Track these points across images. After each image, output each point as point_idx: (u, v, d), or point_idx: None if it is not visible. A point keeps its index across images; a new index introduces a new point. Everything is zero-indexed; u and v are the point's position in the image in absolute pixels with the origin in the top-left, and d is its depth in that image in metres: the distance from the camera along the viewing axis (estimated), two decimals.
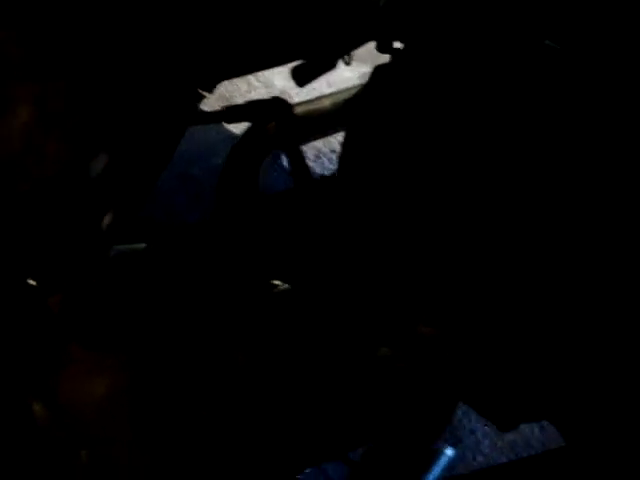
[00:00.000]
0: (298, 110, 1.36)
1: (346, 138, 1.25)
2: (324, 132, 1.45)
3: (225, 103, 1.39)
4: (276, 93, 2.36)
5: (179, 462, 0.89)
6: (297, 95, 1.72)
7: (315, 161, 2.08)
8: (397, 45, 1.26)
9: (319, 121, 1.40)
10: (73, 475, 0.86)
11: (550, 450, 1.27)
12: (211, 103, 1.41)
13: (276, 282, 1.00)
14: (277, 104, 1.23)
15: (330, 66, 1.32)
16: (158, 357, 0.94)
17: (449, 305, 1.00)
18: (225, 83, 1.37)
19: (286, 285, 1.00)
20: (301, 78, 1.30)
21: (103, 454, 0.87)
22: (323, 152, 2.08)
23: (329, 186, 1.19)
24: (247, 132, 1.22)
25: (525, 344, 1.03)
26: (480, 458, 1.93)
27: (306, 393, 0.97)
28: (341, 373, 0.97)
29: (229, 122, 1.22)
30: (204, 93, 1.30)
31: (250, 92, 2.33)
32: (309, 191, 1.13)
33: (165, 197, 1.88)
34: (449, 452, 1.86)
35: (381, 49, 1.26)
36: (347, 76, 2.10)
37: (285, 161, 1.80)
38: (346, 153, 1.19)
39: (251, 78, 2.32)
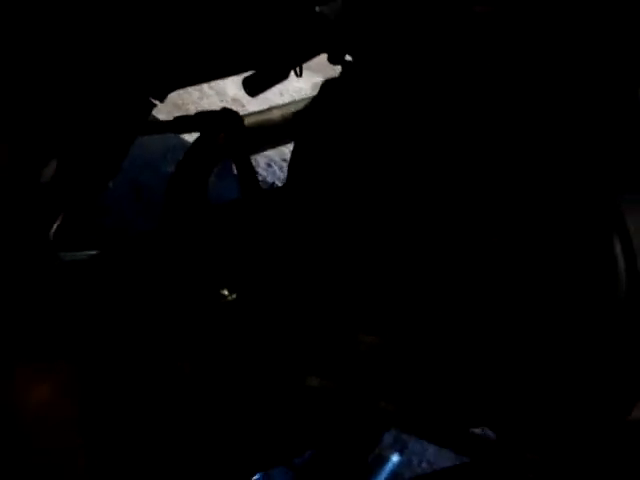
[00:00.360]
0: (248, 121, 1.38)
1: (295, 149, 1.27)
2: (275, 143, 1.47)
3: (177, 110, 1.40)
4: (228, 101, 2.37)
5: (129, 466, 0.90)
6: (249, 103, 1.73)
7: (266, 169, 2.10)
8: (348, 58, 1.29)
9: (269, 132, 1.42)
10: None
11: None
12: (163, 109, 1.42)
13: (224, 292, 1.01)
14: (227, 115, 1.24)
15: (282, 77, 1.34)
16: (105, 364, 0.95)
17: (391, 313, 1.02)
18: (177, 91, 1.38)
19: (234, 295, 1.02)
20: (253, 88, 1.32)
21: (51, 462, 0.88)
22: (274, 160, 2.10)
23: (276, 196, 1.21)
24: (196, 142, 1.23)
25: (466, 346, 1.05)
26: (425, 464, 1.95)
27: (250, 401, 0.98)
28: (283, 383, 0.98)
29: (179, 132, 1.23)
30: (155, 102, 1.31)
31: (202, 100, 2.34)
32: (256, 201, 1.15)
33: (115, 204, 1.88)
34: (395, 458, 1.89)
35: (332, 61, 1.29)
36: (299, 86, 2.13)
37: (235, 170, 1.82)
38: (294, 164, 1.21)
39: (204, 86, 2.33)
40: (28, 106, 1.08)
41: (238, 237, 1.09)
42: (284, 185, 1.24)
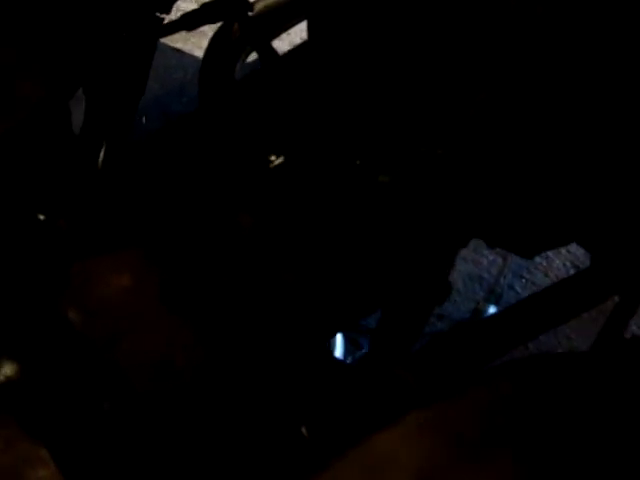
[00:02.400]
0: (258, 7, 1.36)
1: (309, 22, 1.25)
2: (288, 24, 1.45)
3: None
4: None
5: (214, 334, 0.93)
6: None
7: None
8: None
9: (281, 14, 1.40)
10: (115, 367, 0.90)
11: (580, 272, 1.29)
12: None
13: (272, 157, 1.02)
14: (234, 2, 1.23)
15: None
16: (173, 241, 0.97)
17: None
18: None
19: (281, 158, 1.03)
20: None
21: (140, 339, 0.91)
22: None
23: (301, 60, 1.21)
24: (217, 33, 1.24)
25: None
26: None
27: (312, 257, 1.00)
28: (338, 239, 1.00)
29: (190, 29, 1.23)
30: (163, 15, 1.31)
31: None
32: (283, 69, 1.15)
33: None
34: (492, 310, 1.91)
35: None
36: None
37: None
38: (312, 33, 1.19)
39: None
40: (43, 40, 1.09)
41: (273, 105, 1.10)
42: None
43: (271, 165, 1.02)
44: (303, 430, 0.89)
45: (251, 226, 0.96)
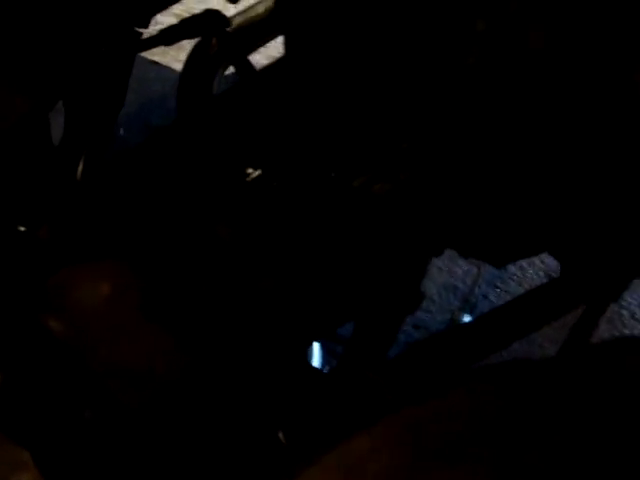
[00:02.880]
0: (236, 22, 1.38)
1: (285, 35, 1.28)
2: (264, 39, 1.47)
3: None
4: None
5: (193, 339, 0.94)
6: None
7: None
8: None
9: (258, 28, 1.43)
10: (96, 376, 0.91)
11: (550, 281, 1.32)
12: None
13: (249, 170, 1.04)
14: (211, 17, 1.25)
15: None
16: (153, 251, 0.99)
17: None
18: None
19: (258, 171, 1.04)
20: None
21: (119, 347, 0.93)
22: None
23: (277, 74, 1.23)
24: (195, 47, 1.26)
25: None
26: None
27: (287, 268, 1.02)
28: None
29: (168, 44, 1.25)
30: (141, 30, 1.33)
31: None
32: (260, 84, 1.17)
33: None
34: (466, 319, 1.93)
35: None
36: None
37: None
38: (287, 45, 1.21)
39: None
40: (27, 51, 1.11)
41: (251, 118, 1.12)
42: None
43: (248, 178, 1.04)
44: (280, 435, 0.91)
45: (229, 237, 0.98)
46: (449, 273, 2.05)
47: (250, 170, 1.04)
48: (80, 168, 1.20)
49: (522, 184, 1.06)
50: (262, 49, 1.54)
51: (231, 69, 1.37)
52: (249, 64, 1.35)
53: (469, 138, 1.01)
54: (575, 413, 0.79)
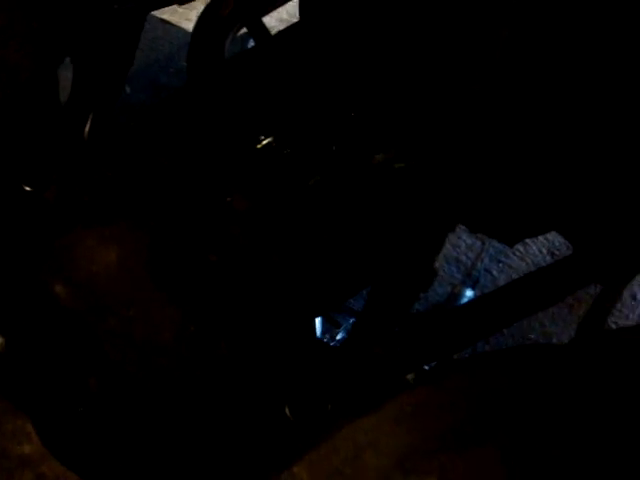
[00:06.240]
0: None
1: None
2: (279, 1, 1.44)
3: None
4: None
5: (199, 309, 0.92)
6: None
7: None
8: None
9: None
10: (102, 344, 0.90)
11: (560, 260, 1.30)
12: None
13: (261, 137, 1.02)
14: None
15: None
16: (163, 218, 0.97)
17: None
18: None
19: (270, 138, 1.02)
20: None
21: (128, 316, 0.91)
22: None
23: (291, 38, 1.20)
24: (206, 8, 1.22)
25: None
26: None
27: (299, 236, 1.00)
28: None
29: (182, 3, 1.22)
30: None
31: None
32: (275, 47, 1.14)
33: (137, 106, 1.88)
34: (469, 293, 1.92)
35: None
36: None
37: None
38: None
39: None
40: (33, 9, 1.07)
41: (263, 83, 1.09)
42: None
43: (260, 145, 1.02)
44: (286, 411, 0.89)
45: (246, 209, 0.96)
46: (453, 246, 2.03)
47: (262, 137, 1.02)
48: (88, 126, 1.18)
49: (536, 163, 1.05)
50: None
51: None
52: (264, 27, 1.32)
53: (489, 120, 0.99)
54: (588, 399, 0.78)
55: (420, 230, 1.01)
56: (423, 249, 1.02)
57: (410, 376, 1.01)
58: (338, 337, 1.66)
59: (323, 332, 1.65)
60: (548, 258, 2.07)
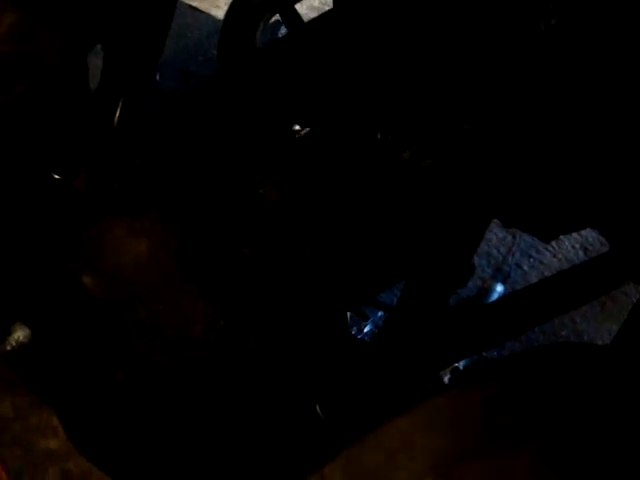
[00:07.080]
0: None
1: None
2: None
3: None
4: None
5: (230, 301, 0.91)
6: None
7: None
8: None
9: None
10: (130, 335, 0.88)
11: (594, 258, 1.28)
12: None
13: (296, 127, 1.00)
14: None
15: None
16: (193, 208, 0.95)
17: None
18: None
19: (306, 129, 1.00)
20: None
21: (157, 308, 0.90)
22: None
23: (324, 25, 1.17)
24: None
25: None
26: None
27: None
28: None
29: None
30: None
31: None
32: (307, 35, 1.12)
33: (167, 94, 1.87)
34: (499, 288, 1.89)
35: None
36: None
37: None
38: None
39: None
40: None
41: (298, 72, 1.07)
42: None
43: (295, 136, 0.99)
44: (317, 409, 0.87)
45: (277, 200, 0.94)
46: (484, 240, 2.00)
47: (297, 127, 1.00)
48: (117, 114, 1.17)
49: (573, 157, 1.03)
50: None
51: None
52: (297, 15, 1.30)
53: (525, 116, 0.97)
54: (630, 404, 0.76)
55: (458, 225, 0.98)
56: (462, 244, 0.99)
57: (445, 377, 0.99)
58: (365, 329, 1.64)
59: (350, 325, 1.63)
60: (581, 254, 2.04)
